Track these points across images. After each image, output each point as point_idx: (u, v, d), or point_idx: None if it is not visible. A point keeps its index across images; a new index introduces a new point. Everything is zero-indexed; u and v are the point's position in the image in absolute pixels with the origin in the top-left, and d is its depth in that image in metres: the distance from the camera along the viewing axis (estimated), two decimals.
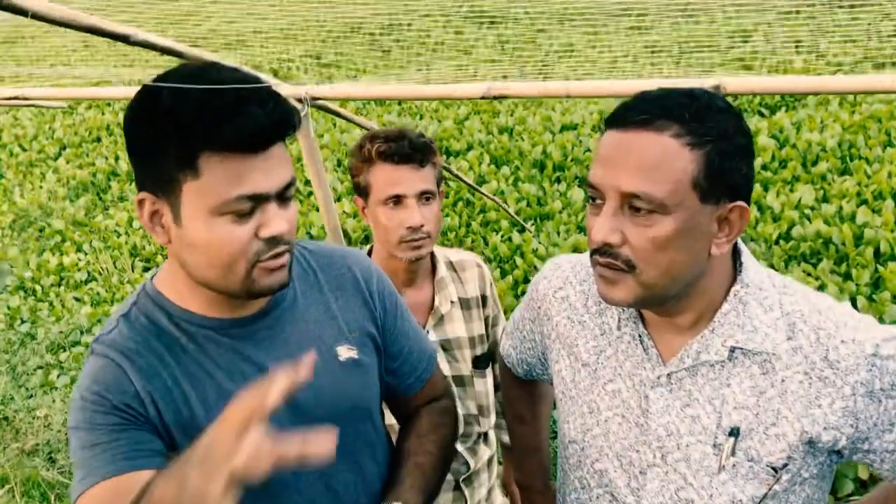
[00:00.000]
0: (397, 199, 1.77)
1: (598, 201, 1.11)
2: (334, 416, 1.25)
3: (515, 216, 6.60)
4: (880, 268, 5.21)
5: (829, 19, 5.69)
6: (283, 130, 1.12)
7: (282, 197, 1.15)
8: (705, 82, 1.85)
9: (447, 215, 7.10)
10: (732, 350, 1.16)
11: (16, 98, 3.02)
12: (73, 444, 1.17)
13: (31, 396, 5.10)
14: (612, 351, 1.26)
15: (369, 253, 1.94)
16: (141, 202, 1.15)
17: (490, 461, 2.01)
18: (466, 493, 1.92)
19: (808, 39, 6.29)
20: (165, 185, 1.11)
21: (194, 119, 1.05)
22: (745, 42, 6.71)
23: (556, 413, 1.46)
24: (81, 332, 5.90)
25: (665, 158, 1.05)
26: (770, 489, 1.14)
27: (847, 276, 5.31)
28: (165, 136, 1.07)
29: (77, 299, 6.72)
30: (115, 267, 7.15)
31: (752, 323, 1.15)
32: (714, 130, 1.06)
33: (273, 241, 1.14)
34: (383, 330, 1.39)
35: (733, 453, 1.14)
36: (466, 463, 1.90)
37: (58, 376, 5.34)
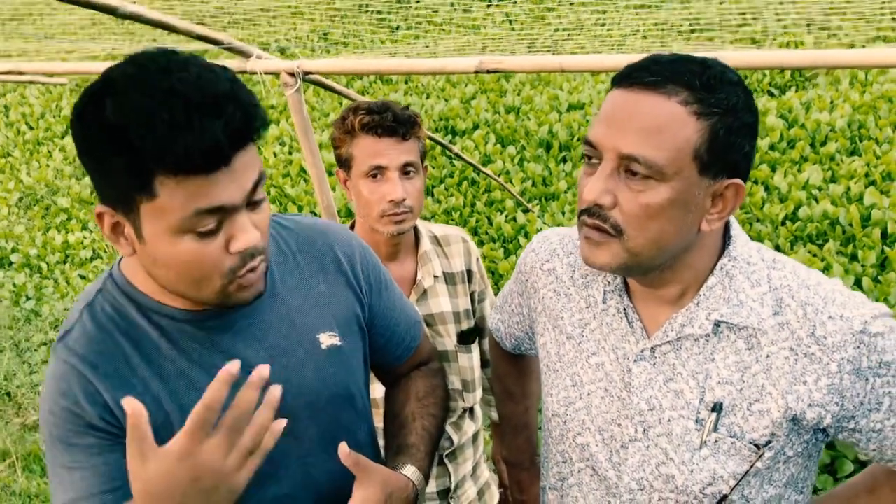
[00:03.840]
0: (379, 172, 1.75)
1: (594, 161, 1.08)
2: (315, 406, 1.24)
3: (518, 196, 6.56)
4: (887, 249, 5.16)
5: None
6: (246, 137, 1.01)
7: (251, 202, 1.06)
8: (700, 53, 1.81)
9: (452, 195, 7.06)
10: (717, 324, 1.13)
11: (10, 73, 3.00)
12: (50, 458, 1.13)
13: (34, 372, 5.13)
14: (596, 324, 1.24)
15: (352, 227, 1.92)
16: (100, 215, 1.05)
17: (475, 436, 1.99)
18: (450, 468, 1.91)
19: (820, 17, 6.21)
20: (122, 201, 1.01)
21: (143, 136, 0.93)
22: (756, 20, 6.64)
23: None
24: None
25: (670, 124, 1.02)
26: (752, 466, 1.12)
27: (853, 258, 5.26)
28: (114, 153, 0.95)
29: (82, 276, 6.74)
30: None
31: (739, 297, 1.12)
32: (724, 103, 1.03)
33: (246, 254, 1.07)
34: (369, 309, 1.35)
35: (716, 429, 1.12)
36: (450, 438, 1.89)
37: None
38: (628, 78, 1.06)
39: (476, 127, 8.40)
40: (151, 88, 0.94)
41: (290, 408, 1.18)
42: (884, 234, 5.43)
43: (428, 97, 9.42)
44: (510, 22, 7.72)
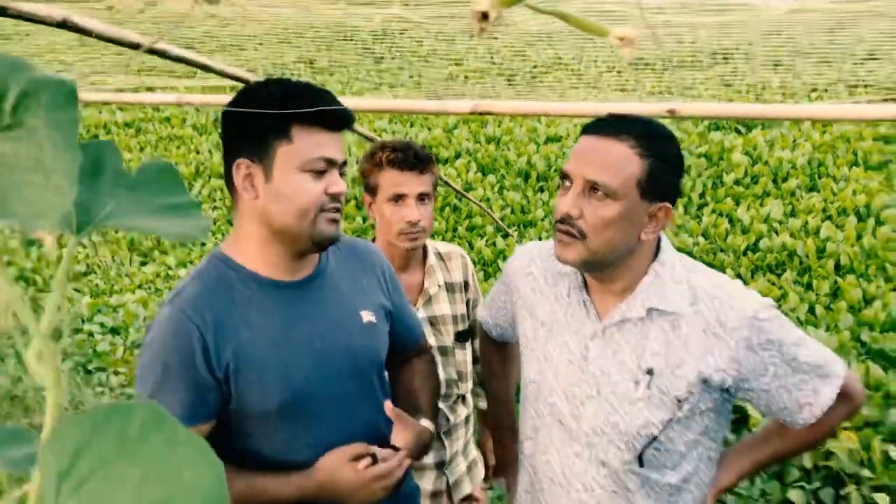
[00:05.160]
0: (400, 198, 2.12)
1: (568, 184, 1.48)
2: (356, 366, 1.59)
3: (500, 222, 6.92)
4: (839, 279, 5.55)
5: (808, 41, 6.03)
6: (349, 121, 1.53)
7: (341, 169, 1.52)
8: (662, 107, 2.17)
9: (435, 220, 7.40)
10: (650, 311, 1.50)
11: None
12: (139, 389, 1.47)
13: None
14: (562, 313, 1.61)
15: (372, 241, 2.27)
16: (238, 166, 1.48)
17: (467, 419, 2.36)
18: (447, 443, 2.27)
19: (787, 60, 6.65)
20: (261, 150, 1.46)
21: (292, 99, 1.43)
22: (727, 61, 7.07)
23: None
24: (82, 321, 6.16)
25: (621, 160, 1.43)
26: (674, 415, 1.48)
27: (808, 287, 5.65)
28: (271, 116, 1.43)
29: (77, 290, 6.98)
30: (114, 260, 7.42)
31: (665, 291, 1.50)
32: (658, 149, 1.46)
33: (335, 197, 1.49)
34: (392, 304, 1.75)
35: (649, 387, 1.49)
36: (447, 418, 2.25)
37: (62, 360, 5.59)
38: (594, 127, 1.50)
39: (458, 156, 8.77)
40: (291, 81, 1.50)
41: (339, 366, 1.57)
42: (837, 266, 5.84)
43: (412, 125, 9.78)
44: (491, 56, 8.10)
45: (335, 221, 1.51)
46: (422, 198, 2.14)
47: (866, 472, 3.72)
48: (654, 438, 1.49)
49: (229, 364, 1.46)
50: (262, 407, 1.47)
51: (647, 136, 1.46)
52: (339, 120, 1.50)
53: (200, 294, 1.49)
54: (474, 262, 6.62)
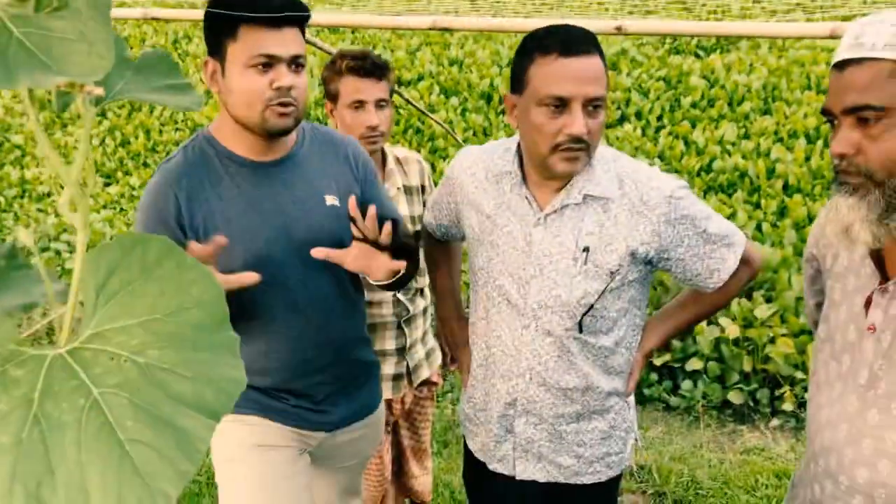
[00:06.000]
0: (360, 104, 2.26)
1: (561, 108, 1.60)
2: (318, 241, 1.73)
3: (462, 143, 7.02)
4: (786, 199, 5.79)
5: None
6: (293, 18, 1.65)
7: (293, 64, 1.66)
8: (611, 24, 2.30)
9: (398, 142, 7.49)
10: (585, 197, 1.69)
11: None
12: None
13: None
14: (506, 206, 1.77)
15: None
16: (206, 63, 1.69)
17: (424, 310, 2.56)
18: (406, 331, 2.46)
19: None
20: (218, 49, 1.66)
21: (237, 5, 1.61)
22: None
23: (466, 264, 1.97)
24: (49, 239, 6.21)
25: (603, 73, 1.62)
26: (608, 286, 1.69)
27: (757, 206, 5.88)
28: (220, 18, 1.63)
29: (40, 210, 6.99)
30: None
31: (597, 179, 1.69)
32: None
33: (280, 91, 1.64)
34: (363, 192, 1.89)
35: (585, 263, 1.69)
36: (407, 308, 2.43)
37: None
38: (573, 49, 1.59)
39: (421, 78, 8.80)
40: None
41: (299, 238, 1.75)
42: (785, 186, 6.07)
43: (374, 48, 9.76)
44: None
45: (284, 115, 1.67)
46: (380, 103, 2.28)
47: (800, 374, 3.99)
48: (591, 307, 1.71)
49: (199, 226, 1.71)
50: (228, 267, 1.65)
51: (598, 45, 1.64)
52: (280, 17, 1.62)
53: (181, 164, 1.75)
54: (436, 184, 6.74)
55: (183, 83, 0.80)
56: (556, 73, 1.58)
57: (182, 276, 0.65)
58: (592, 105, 1.59)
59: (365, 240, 1.72)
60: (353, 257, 1.73)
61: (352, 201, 1.71)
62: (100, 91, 0.58)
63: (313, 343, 1.85)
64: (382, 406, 2.13)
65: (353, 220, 1.71)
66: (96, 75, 0.55)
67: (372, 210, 1.68)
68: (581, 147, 1.61)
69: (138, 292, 0.63)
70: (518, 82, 1.67)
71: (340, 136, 1.96)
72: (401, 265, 1.74)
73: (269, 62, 1.63)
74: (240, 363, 0.62)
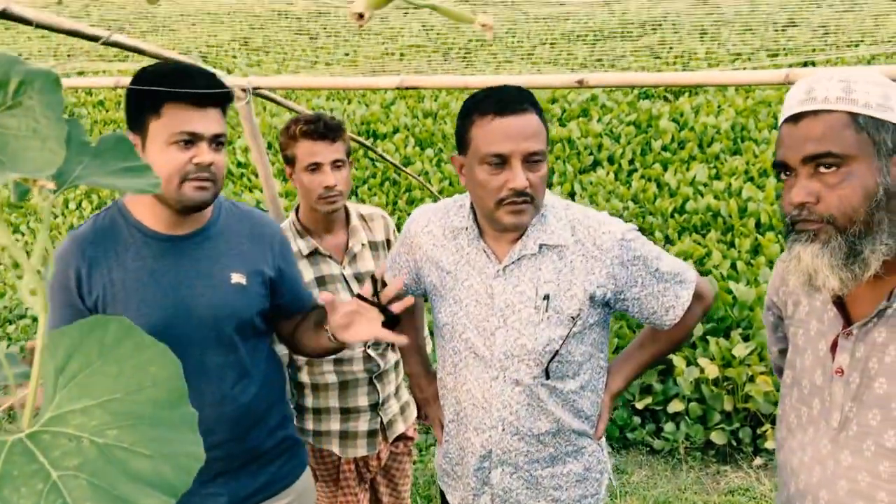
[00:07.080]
0: (316, 167, 2.31)
1: (503, 165, 1.66)
2: (216, 319, 1.77)
3: (438, 195, 7.09)
4: (759, 237, 5.87)
5: (733, 10, 6.28)
6: (217, 97, 1.70)
7: (214, 143, 1.70)
8: (572, 77, 2.36)
9: (375, 194, 7.55)
10: (541, 247, 1.74)
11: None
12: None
13: None
14: (465, 261, 1.82)
15: (297, 209, 2.45)
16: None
17: (396, 364, 2.55)
18: (379, 387, 2.47)
19: (712, 29, 6.91)
20: (140, 124, 1.68)
21: (163, 83, 1.64)
22: (655, 31, 7.31)
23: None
24: (27, 308, 6.18)
25: (541, 130, 1.68)
26: (570, 331, 1.73)
27: (731, 245, 5.96)
28: (144, 94, 1.66)
29: (19, 277, 6.94)
30: (54, 246, 7.40)
31: (550, 228, 1.74)
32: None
33: (200, 167, 1.67)
34: (278, 272, 1.90)
35: (547, 311, 1.73)
36: (378, 364, 2.44)
37: (7, 346, 5.64)
38: (504, 109, 1.66)
39: (396, 131, 8.90)
40: (168, 65, 1.72)
41: (198, 315, 1.76)
42: (758, 224, 6.16)
43: (349, 102, 9.87)
44: (426, 32, 8.21)
45: (202, 189, 1.70)
46: (336, 164, 2.33)
47: None
48: (556, 353, 1.75)
49: (98, 295, 1.72)
50: None
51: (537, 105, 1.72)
52: (205, 98, 1.67)
53: (88, 233, 1.77)
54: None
55: (140, 165, 0.82)
56: (493, 132, 1.65)
57: (140, 356, 0.67)
58: (531, 159, 1.66)
59: (365, 300, 1.71)
60: (342, 314, 1.71)
61: (383, 266, 1.83)
62: (51, 185, 0.61)
63: (208, 419, 1.79)
64: (306, 476, 2.06)
65: (375, 281, 1.72)
66: (49, 170, 0.58)
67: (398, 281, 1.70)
68: (525, 199, 1.66)
69: (97, 373, 0.65)
70: (462, 143, 1.74)
71: (259, 215, 1.97)
72: (390, 336, 1.73)
73: (191, 139, 1.67)
74: (198, 438, 0.64)
